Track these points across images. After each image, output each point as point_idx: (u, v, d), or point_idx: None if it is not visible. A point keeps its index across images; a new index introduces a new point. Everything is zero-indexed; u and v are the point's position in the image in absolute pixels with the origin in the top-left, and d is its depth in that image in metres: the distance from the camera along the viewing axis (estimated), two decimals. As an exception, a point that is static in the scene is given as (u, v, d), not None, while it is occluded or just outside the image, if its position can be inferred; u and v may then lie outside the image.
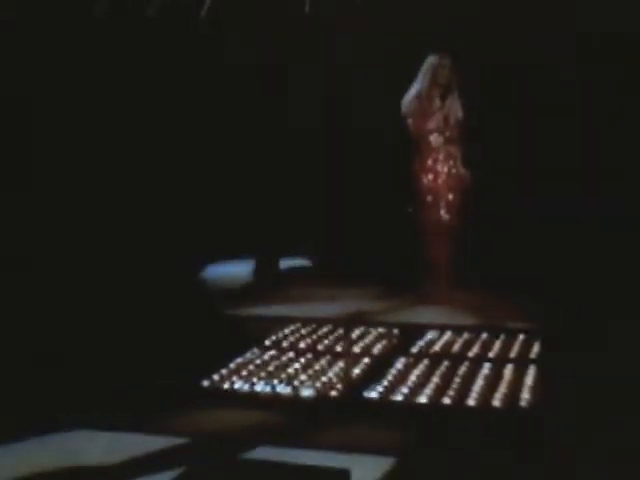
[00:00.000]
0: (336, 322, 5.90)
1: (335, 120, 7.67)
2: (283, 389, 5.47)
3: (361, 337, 6.44)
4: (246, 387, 5.53)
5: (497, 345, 6.14)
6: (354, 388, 5.45)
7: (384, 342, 6.32)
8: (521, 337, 5.98)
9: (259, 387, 5.51)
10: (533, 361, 5.73)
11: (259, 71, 8.06)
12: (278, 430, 5.06)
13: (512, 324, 5.47)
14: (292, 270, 8.64)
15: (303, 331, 6.67)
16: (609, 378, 5.32)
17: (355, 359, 5.92)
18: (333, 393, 5.40)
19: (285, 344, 6.42)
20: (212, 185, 8.73)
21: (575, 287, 6.52)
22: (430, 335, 6.07)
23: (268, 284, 7.73)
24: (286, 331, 6.69)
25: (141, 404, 5.22)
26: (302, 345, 6.37)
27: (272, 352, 6.21)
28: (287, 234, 8.78)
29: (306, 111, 7.77)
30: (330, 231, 8.14)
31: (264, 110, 8.17)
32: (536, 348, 6.01)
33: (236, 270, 8.83)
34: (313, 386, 5.48)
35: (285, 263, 9.13)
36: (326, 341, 6.41)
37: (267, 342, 6.43)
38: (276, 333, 6.58)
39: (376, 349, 6.17)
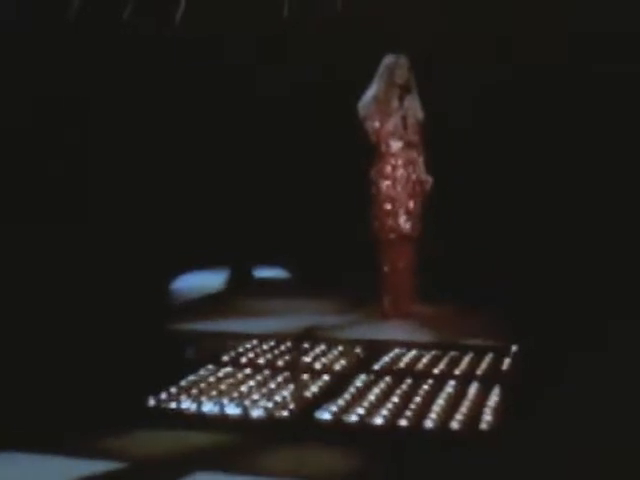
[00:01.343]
0: (284, 338, 5.59)
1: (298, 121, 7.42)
2: (232, 409, 5.17)
3: (317, 353, 6.13)
4: (193, 407, 5.24)
5: (460, 363, 5.82)
6: (306, 408, 5.14)
7: (337, 358, 6.02)
8: (482, 354, 5.67)
9: (207, 407, 5.22)
10: (497, 380, 5.41)
11: (226, 77, 7.81)
12: (221, 454, 4.78)
13: (475, 340, 5.13)
14: (265, 281, 8.36)
15: (265, 346, 6.36)
16: (577, 399, 5.00)
17: (311, 377, 5.62)
18: (284, 414, 5.10)
19: (243, 360, 6.11)
20: (184, 193, 8.45)
21: (547, 299, 6.22)
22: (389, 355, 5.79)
23: (238, 295, 7.44)
24: (248, 346, 6.38)
25: (76, 424, 4.92)
26: (261, 361, 6.06)
27: (228, 369, 5.91)
28: (262, 243, 8.50)
29: (272, 111, 7.52)
30: (302, 240, 7.87)
31: (232, 111, 7.91)
32: (502, 366, 5.70)
33: (208, 281, 8.56)
34: (264, 406, 5.18)
35: (260, 273, 8.87)
36: (287, 357, 6.10)
37: (224, 358, 6.12)
38: (235, 349, 6.27)
39: (328, 366, 5.86)
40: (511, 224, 7.00)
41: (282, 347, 6.23)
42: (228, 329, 5.70)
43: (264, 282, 8.18)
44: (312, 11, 7.96)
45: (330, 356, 6.12)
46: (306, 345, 6.01)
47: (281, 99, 7.59)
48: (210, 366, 5.94)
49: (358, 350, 5.95)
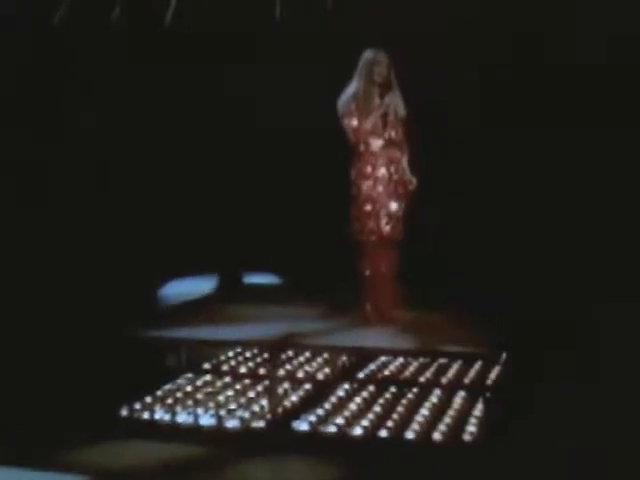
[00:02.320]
0: (261, 345, 5.40)
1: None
2: (207, 420, 4.99)
3: (294, 361, 5.95)
4: (167, 417, 5.06)
5: (443, 371, 5.63)
6: (283, 418, 4.95)
7: (314, 366, 5.86)
8: (466, 362, 5.47)
9: (181, 417, 5.04)
10: (482, 390, 5.23)
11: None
12: (195, 466, 4.60)
13: (458, 348, 4.94)
14: (254, 287, 8.16)
15: (242, 354, 6.16)
16: (562, 410, 4.80)
17: (289, 385, 5.44)
18: (260, 424, 4.91)
19: (221, 368, 5.92)
20: (172, 198, 8.26)
21: (536, 305, 6.02)
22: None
23: (220, 301, 7.23)
24: (225, 354, 6.18)
25: (46, 436, 4.75)
26: (238, 369, 5.87)
27: (206, 378, 5.72)
28: (252, 249, 8.30)
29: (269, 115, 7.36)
30: (291, 245, 7.68)
31: (219, 115, 7.74)
32: (486, 375, 5.49)
33: (196, 287, 8.36)
34: (240, 416, 4.99)
35: (251, 279, 8.66)
36: (264, 365, 5.90)
37: (201, 366, 5.93)
38: (212, 356, 6.08)
39: (307, 374, 5.71)
40: (500, 228, 6.80)
41: (259, 355, 6.04)
42: (207, 336, 5.50)
43: (252, 288, 7.96)
44: (304, 11, 7.79)
45: (308, 364, 5.92)
46: (283, 353, 5.83)
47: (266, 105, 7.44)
48: (189, 375, 5.76)
49: (337, 357, 5.75)
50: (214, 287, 8.42)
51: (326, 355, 5.87)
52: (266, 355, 5.55)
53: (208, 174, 7.80)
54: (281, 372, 5.58)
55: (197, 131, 7.79)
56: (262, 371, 5.70)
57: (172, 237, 8.04)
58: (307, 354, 6.00)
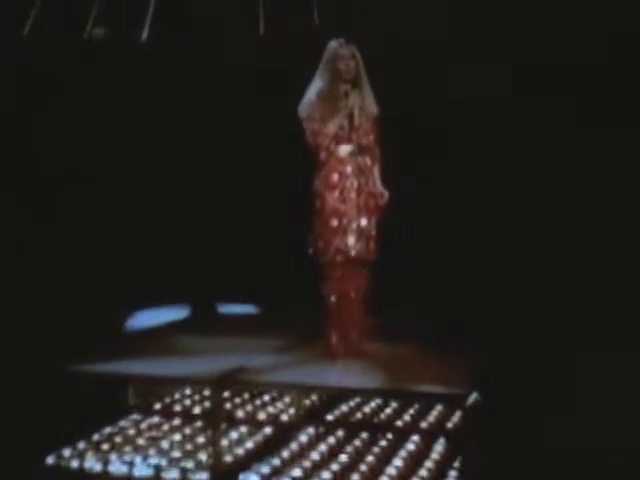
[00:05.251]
0: (205, 383, 4.69)
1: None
2: (143, 469, 4.29)
3: (239, 402, 5.27)
4: (99, 466, 4.37)
5: (406, 413, 4.98)
6: (230, 470, 4.24)
7: (258, 407, 5.19)
8: (437, 403, 4.78)
9: (114, 466, 4.34)
10: (446, 434, 4.57)
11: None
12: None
13: (433, 387, 4.20)
14: (228, 316, 7.49)
15: (206, 392, 5.44)
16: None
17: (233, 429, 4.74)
18: (202, 477, 4.21)
19: (177, 408, 5.23)
20: (146, 226, 7.66)
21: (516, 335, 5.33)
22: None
23: (185, 332, 6.56)
24: (187, 392, 5.50)
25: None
26: (197, 411, 5.17)
27: (154, 419, 5.03)
28: (226, 278, 7.65)
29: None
30: (265, 274, 7.03)
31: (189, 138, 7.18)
32: (454, 418, 4.83)
33: (167, 316, 7.70)
34: (180, 466, 4.29)
35: (226, 308, 8.00)
36: (229, 404, 5.21)
37: (154, 406, 5.24)
38: (169, 394, 5.39)
39: (249, 416, 5.03)
40: (477, 254, 6.18)
41: (202, 394, 5.36)
42: (144, 371, 4.81)
43: (224, 318, 7.28)
44: (288, 26, 7.25)
45: (252, 405, 5.23)
46: (228, 391, 5.13)
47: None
48: (134, 415, 5.07)
49: (291, 397, 5.05)
50: (185, 316, 7.79)
51: (272, 394, 5.21)
52: (205, 394, 4.90)
53: (180, 204, 7.28)
54: (230, 413, 4.90)
55: (167, 159, 7.24)
56: (199, 412, 5.08)
57: (143, 265, 7.48)
58: (250, 393, 5.34)
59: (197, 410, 5.17)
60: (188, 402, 5.33)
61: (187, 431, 4.85)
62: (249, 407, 5.17)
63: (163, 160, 7.47)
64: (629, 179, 6.24)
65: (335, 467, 4.23)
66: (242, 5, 7.03)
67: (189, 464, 4.32)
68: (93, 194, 7.34)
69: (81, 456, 4.47)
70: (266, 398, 5.37)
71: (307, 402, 4.97)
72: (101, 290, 7.02)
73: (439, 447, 4.50)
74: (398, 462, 4.28)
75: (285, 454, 4.43)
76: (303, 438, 4.65)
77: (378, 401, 5.20)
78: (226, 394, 5.25)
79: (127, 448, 4.58)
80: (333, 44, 4.87)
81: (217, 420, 4.25)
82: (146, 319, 7.66)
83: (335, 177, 4.82)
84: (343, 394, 4.86)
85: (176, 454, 4.47)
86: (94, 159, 7.21)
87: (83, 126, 7.19)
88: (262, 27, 7.38)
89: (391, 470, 4.19)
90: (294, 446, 4.55)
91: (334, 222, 4.77)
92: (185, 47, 7.31)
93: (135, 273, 7.43)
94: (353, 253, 4.74)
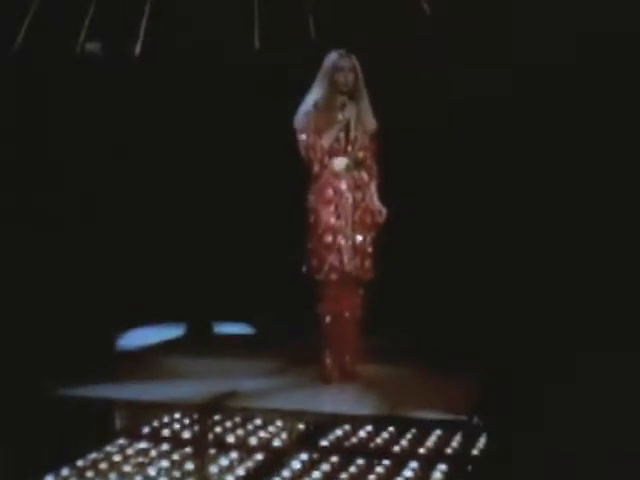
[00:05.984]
0: (191, 408, 4.52)
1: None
2: (127, 499, 4.11)
3: (229, 427, 5.00)
4: (81, 495, 4.18)
5: (403, 438, 4.62)
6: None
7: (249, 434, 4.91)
8: (437, 429, 4.51)
9: (97, 495, 4.16)
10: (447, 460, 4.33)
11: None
12: None
13: (431, 413, 4.01)
14: (223, 337, 7.32)
15: (196, 415, 5.23)
16: None
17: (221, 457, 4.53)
18: (190, 507, 4.03)
19: (165, 433, 5.03)
20: (139, 241, 7.54)
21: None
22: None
23: (175, 353, 6.39)
24: (177, 415, 5.30)
25: None
26: (186, 435, 4.97)
27: (141, 444, 4.83)
28: (222, 297, 7.50)
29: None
30: (262, 294, 6.88)
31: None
32: (453, 443, 4.58)
33: (161, 335, 7.55)
34: (167, 496, 4.11)
35: (221, 328, 7.84)
36: (218, 429, 5.01)
37: (142, 430, 5.04)
38: (158, 418, 5.20)
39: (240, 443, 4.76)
40: (477, 256, 6.04)
41: (193, 417, 5.11)
42: (139, 396, 4.64)
43: (219, 338, 7.12)
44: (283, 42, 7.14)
45: (244, 430, 4.95)
46: (216, 417, 4.92)
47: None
48: (120, 440, 4.88)
49: (283, 421, 4.81)
50: (180, 335, 7.64)
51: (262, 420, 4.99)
52: (192, 420, 4.72)
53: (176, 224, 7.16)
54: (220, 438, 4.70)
55: (162, 176, 7.13)
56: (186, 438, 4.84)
57: (138, 283, 7.38)
58: (239, 419, 5.06)
59: (186, 435, 4.99)
60: (177, 426, 5.15)
61: (175, 457, 4.67)
62: (240, 431, 4.98)
63: (157, 177, 7.37)
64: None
65: (328, 495, 4.07)
66: (237, 21, 6.95)
67: (175, 493, 4.15)
68: (89, 211, 7.24)
69: (64, 483, 4.30)
70: (258, 422, 5.18)
71: (300, 427, 4.78)
72: (95, 308, 6.90)
73: (438, 474, 4.33)
74: (395, 490, 4.11)
75: (276, 481, 4.26)
76: (296, 464, 4.48)
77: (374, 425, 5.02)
78: (217, 417, 5.07)
79: (112, 475, 4.40)
80: (333, 55, 4.73)
81: (203, 448, 4.07)
82: (140, 338, 7.52)
83: (330, 192, 4.66)
84: (337, 420, 4.67)
85: (162, 481, 4.29)
86: (91, 175, 7.12)
87: (82, 134, 7.11)
88: (257, 42, 7.28)
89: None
90: (286, 473, 4.38)
91: (328, 238, 4.61)
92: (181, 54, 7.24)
93: (130, 291, 7.32)
94: (348, 271, 4.56)
